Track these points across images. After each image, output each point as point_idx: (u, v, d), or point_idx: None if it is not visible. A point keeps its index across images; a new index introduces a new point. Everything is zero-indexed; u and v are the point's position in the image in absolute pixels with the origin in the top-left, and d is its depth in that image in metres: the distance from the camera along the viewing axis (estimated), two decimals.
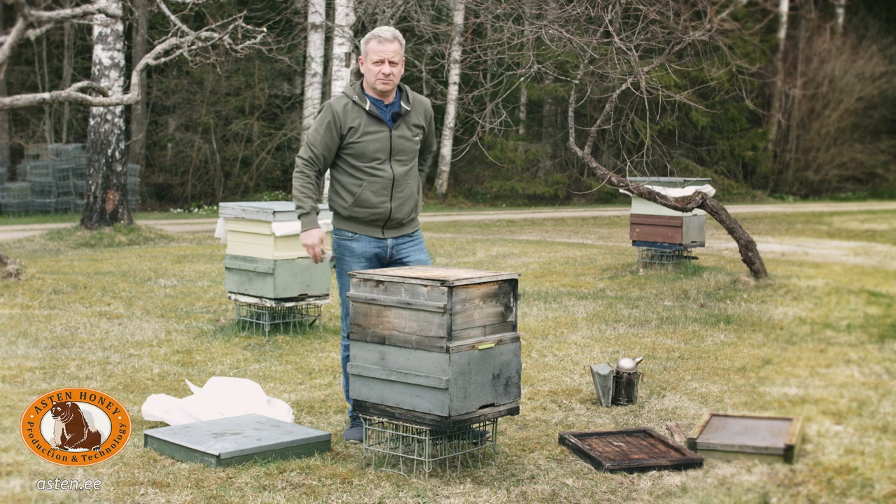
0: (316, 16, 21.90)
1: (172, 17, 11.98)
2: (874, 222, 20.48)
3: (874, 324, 8.61)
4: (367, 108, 5.34)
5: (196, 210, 23.53)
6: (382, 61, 5.29)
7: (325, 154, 5.39)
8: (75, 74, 23.41)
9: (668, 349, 7.79)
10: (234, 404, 5.64)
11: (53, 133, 23.94)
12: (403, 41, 5.38)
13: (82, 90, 11.27)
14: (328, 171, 5.55)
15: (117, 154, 16.31)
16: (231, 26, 12.34)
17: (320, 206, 5.65)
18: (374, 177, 5.37)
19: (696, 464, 5.01)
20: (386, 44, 5.29)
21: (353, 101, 5.37)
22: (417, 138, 5.50)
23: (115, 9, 14.54)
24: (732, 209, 15.39)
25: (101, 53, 16.04)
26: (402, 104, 5.43)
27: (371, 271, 4.90)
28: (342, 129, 5.36)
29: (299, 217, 5.39)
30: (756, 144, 29.45)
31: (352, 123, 5.35)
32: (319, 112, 5.55)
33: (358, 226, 5.45)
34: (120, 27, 16.16)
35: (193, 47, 11.90)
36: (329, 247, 5.56)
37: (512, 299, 4.96)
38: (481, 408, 4.81)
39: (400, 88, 5.46)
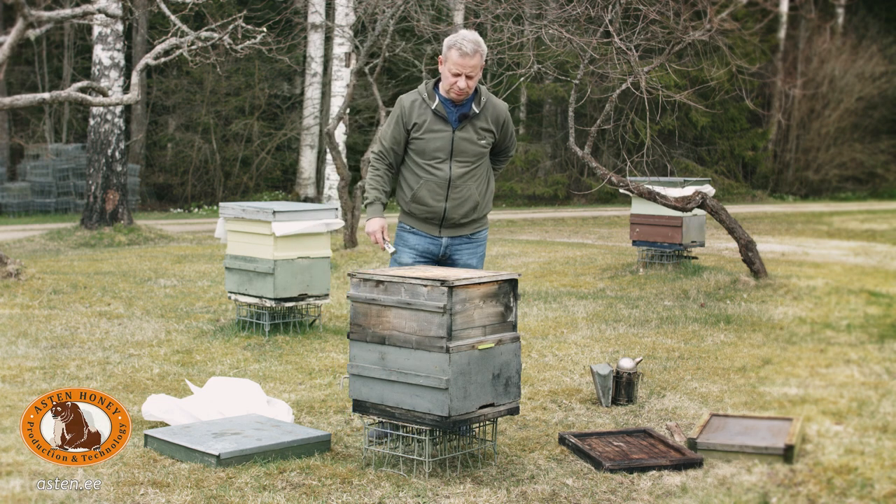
0: (316, 16, 21.90)
1: (172, 17, 11.98)
2: (874, 222, 20.48)
3: (874, 324, 8.61)
4: (434, 106, 5.34)
5: (196, 210, 23.53)
6: (460, 75, 5.24)
7: (393, 147, 5.43)
8: (75, 74, 23.40)
9: (668, 349, 7.79)
10: (234, 404, 5.64)
11: (53, 133, 23.93)
12: (485, 50, 5.30)
13: (82, 90, 11.27)
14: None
15: (117, 154, 16.31)
16: (231, 26, 12.33)
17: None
18: (431, 175, 5.39)
19: (696, 464, 5.01)
20: (467, 58, 5.22)
21: (422, 98, 5.37)
22: (484, 142, 5.44)
23: (115, 9, 14.54)
24: (732, 209, 15.39)
25: (101, 53, 16.04)
26: (473, 106, 5.39)
27: (371, 271, 4.91)
28: (408, 124, 5.37)
29: (365, 206, 5.46)
30: (756, 144, 29.45)
31: (417, 119, 5.36)
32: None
33: (416, 221, 5.50)
34: (120, 27, 16.17)
35: (193, 47, 11.89)
36: (392, 238, 5.52)
37: (512, 299, 4.96)
38: (481, 408, 4.81)
39: (475, 90, 5.41)
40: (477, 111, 5.38)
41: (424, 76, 14.76)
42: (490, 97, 5.47)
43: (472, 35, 5.27)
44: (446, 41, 5.29)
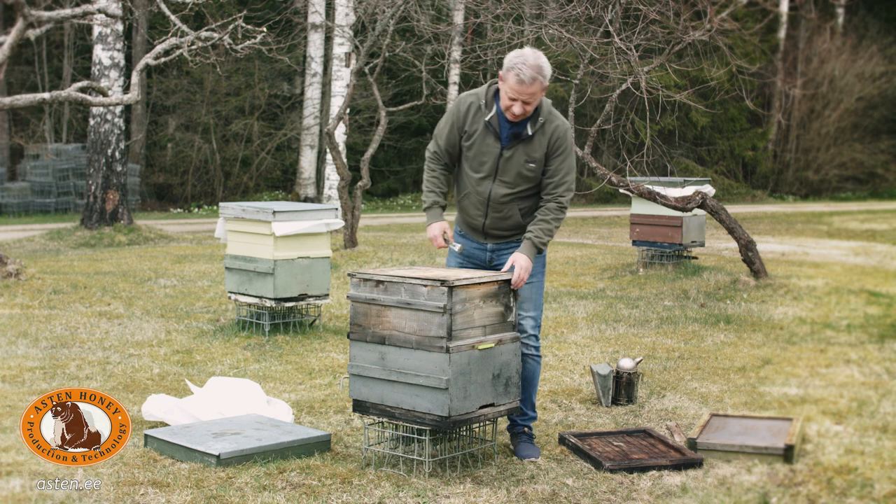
0: (316, 16, 21.90)
1: (172, 17, 11.98)
2: (874, 222, 20.48)
3: (874, 324, 8.61)
4: (489, 118, 5.01)
5: (196, 210, 23.53)
6: (516, 100, 4.89)
7: (448, 149, 5.17)
8: (75, 74, 23.41)
9: (668, 349, 7.79)
10: (234, 404, 5.64)
11: (53, 133, 23.94)
12: (548, 75, 4.88)
13: (82, 90, 11.27)
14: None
15: (117, 154, 16.31)
16: (231, 26, 12.33)
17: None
18: (474, 190, 5.14)
19: (696, 464, 5.01)
20: (524, 86, 4.83)
21: (480, 105, 5.04)
22: (532, 166, 5.05)
23: (115, 9, 14.54)
24: (732, 209, 15.39)
25: (101, 53, 16.04)
26: (528, 127, 5.00)
27: (371, 271, 4.90)
28: (461, 129, 5.10)
29: (424, 210, 5.25)
30: (756, 144, 29.46)
31: (468, 128, 5.07)
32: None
33: (464, 225, 5.32)
34: (120, 27, 16.17)
35: (193, 47, 11.89)
36: (452, 236, 5.25)
37: (512, 299, 4.96)
38: (481, 408, 4.81)
39: (536, 109, 5.00)
40: (531, 133, 5.00)
41: (425, 76, 14.75)
42: (550, 118, 5.06)
43: (535, 59, 4.86)
44: (507, 59, 4.91)
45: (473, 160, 5.11)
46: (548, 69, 4.89)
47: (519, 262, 4.97)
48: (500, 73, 4.95)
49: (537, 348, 5.25)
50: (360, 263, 12.37)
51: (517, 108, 4.89)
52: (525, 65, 4.82)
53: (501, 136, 5.03)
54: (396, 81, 23.86)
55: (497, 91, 5.04)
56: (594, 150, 20.35)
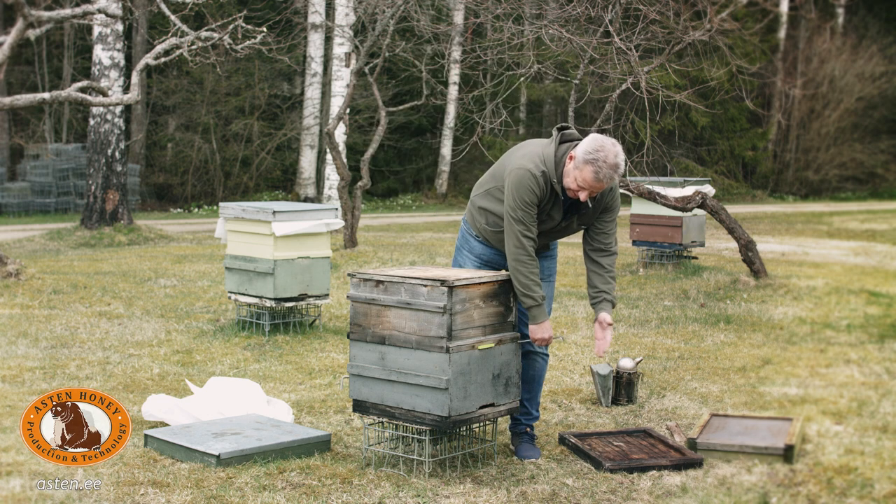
0: (316, 16, 21.90)
1: (172, 17, 11.98)
2: (874, 222, 20.48)
3: (874, 324, 8.61)
4: (560, 195, 4.89)
5: (196, 210, 23.53)
6: (586, 190, 4.79)
7: (534, 230, 4.89)
8: (75, 74, 23.41)
9: (668, 349, 7.79)
10: (234, 404, 5.64)
11: (53, 133, 23.93)
12: (621, 173, 4.77)
13: (82, 90, 11.27)
14: (476, 193, 5.14)
15: (117, 154, 16.31)
16: (231, 26, 12.33)
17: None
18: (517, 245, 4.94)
19: (696, 464, 5.01)
20: (600, 183, 4.74)
21: (552, 183, 4.85)
22: (583, 224, 5.05)
23: (115, 9, 14.54)
24: (732, 209, 15.39)
25: (101, 53, 16.04)
26: (588, 200, 4.90)
27: (371, 271, 4.90)
28: (539, 203, 4.87)
29: (528, 309, 4.91)
30: (756, 144, 29.45)
31: (543, 202, 4.89)
32: (516, 181, 4.85)
33: (489, 240, 5.16)
34: (120, 27, 16.16)
35: (193, 47, 11.89)
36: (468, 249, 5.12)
37: (512, 299, 4.96)
38: (481, 408, 4.81)
39: None
40: (590, 205, 4.94)
41: (425, 76, 14.75)
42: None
43: (614, 157, 4.72)
44: (588, 150, 4.73)
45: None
46: (623, 166, 4.77)
47: (608, 321, 5.00)
48: (573, 154, 4.79)
49: (546, 346, 5.25)
50: (360, 263, 12.37)
51: (583, 196, 4.80)
52: (606, 163, 4.70)
53: (563, 210, 4.97)
54: (396, 81, 23.86)
55: (562, 163, 4.87)
56: None
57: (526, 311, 4.97)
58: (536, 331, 4.93)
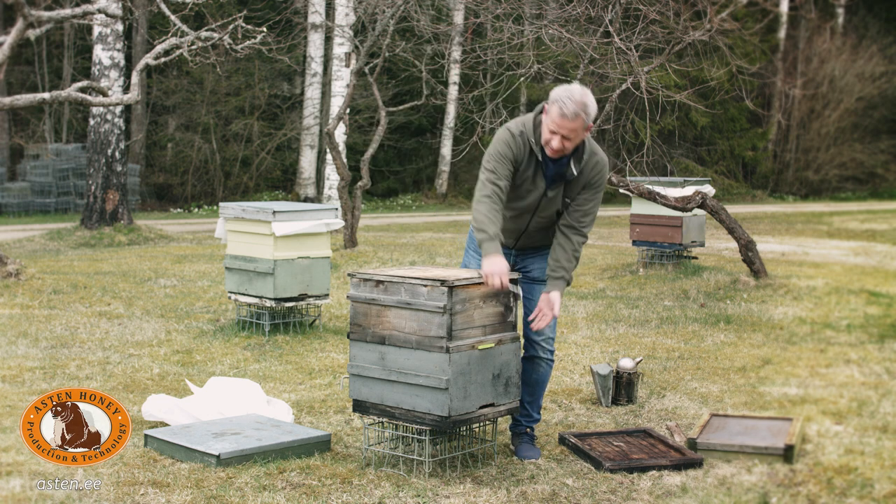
0: (316, 16, 21.90)
1: (172, 17, 11.98)
2: (874, 222, 20.48)
3: (874, 324, 8.61)
4: (540, 158, 4.90)
5: (196, 210, 23.53)
6: (556, 133, 4.78)
7: (506, 186, 4.87)
8: (75, 74, 23.41)
9: (668, 349, 7.79)
10: (234, 404, 5.64)
11: (53, 133, 23.94)
12: (591, 113, 4.76)
13: (82, 90, 11.27)
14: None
15: (117, 154, 16.31)
16: (231, 26, 12.33)
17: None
18: (509, 220, 5.03)
19: (696, 464, 5.01)
20: (566, 120, 4.72)
21: (530, 143, 4.88)
22: (569, 201, 5.02)
23: (115, 9, 14.54)
24: (732, 209, 15.39)
25: (101, 53, 16.04)
26: (572, 167, 4.90)
27: (371, 271, 4.90)
28: (516, 164, 4.90)
29: (480, 243, 4.80)
30: (756, 144, 29.47)
31: (521, 165, 4.91)
32: (497, 138, 4.94)
33: None
34: (120, 27, 16.17)
35: (193, 47, 11.89)
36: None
37: (512, 299, 4.96)
38: (481, 408, 4.81)
39: (578, 148, 4.91)
40: (575, 174, 4.92)
41: (425, 76, 14.75)
42: (593, 157, 4.98)
43: (581, 96, 4.74)
44: (553, 93, 4.80)
45: (516, 197, 4.99)
46: (593, 108, 4.77)
47: (556, 302, 4.95)
48: (545, 104, 4.85)
49: (552, 352, 5.24)
50: (360, 263, 12.37)
51: (556, 143, 4.79)
52: (570, 99, 4.72)
53: (546, 177, 4.94)
54: (396, 81, 23.87)
55: (540, 123, 4.92)
56: None
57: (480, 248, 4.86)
58: (486, 265, 4.71)
